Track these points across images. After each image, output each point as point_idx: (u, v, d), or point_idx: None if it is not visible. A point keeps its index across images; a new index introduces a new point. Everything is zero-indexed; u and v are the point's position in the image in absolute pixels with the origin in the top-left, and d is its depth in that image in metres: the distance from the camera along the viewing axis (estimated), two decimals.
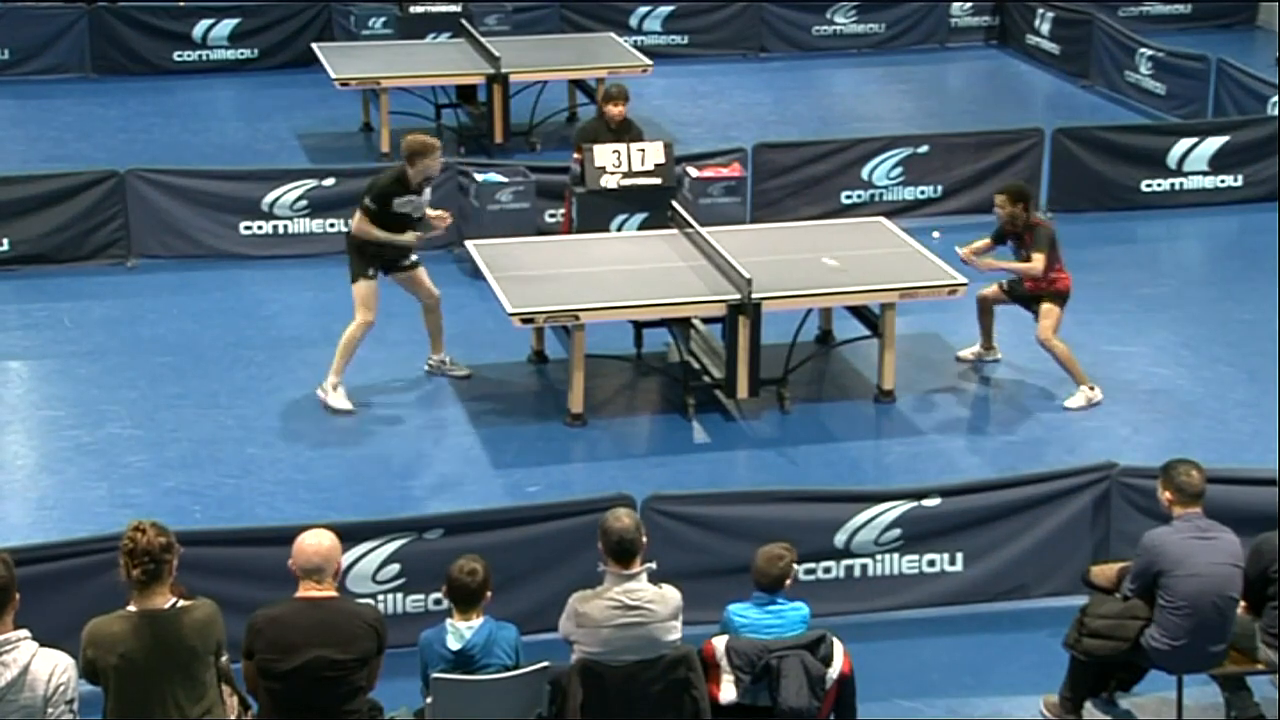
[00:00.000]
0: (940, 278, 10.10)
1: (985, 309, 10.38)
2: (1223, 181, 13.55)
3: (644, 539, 6.49)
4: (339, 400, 9.89)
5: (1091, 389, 10.03)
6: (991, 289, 10.27)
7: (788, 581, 6.59)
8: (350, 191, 12.33)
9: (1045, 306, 9.94)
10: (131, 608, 5.78)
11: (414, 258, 10.02)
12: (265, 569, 7.02)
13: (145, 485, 9.09)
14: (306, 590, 6.13)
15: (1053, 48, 17.51)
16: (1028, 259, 9.90)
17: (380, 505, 8.72)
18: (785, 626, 6.54)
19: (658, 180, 11.55)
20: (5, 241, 12.06)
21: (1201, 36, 17.77)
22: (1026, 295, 10.08)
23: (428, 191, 9.95)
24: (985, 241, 10.24)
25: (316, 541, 6.18)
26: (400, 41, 15.93)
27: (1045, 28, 17.63)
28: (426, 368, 10.41)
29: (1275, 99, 14.14)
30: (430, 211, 9.99)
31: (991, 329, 10.49)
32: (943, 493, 7.93)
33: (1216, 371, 10.58)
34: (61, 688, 5.59)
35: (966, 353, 10.60)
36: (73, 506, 8.86)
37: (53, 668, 5.59)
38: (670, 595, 6.46)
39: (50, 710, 5.56)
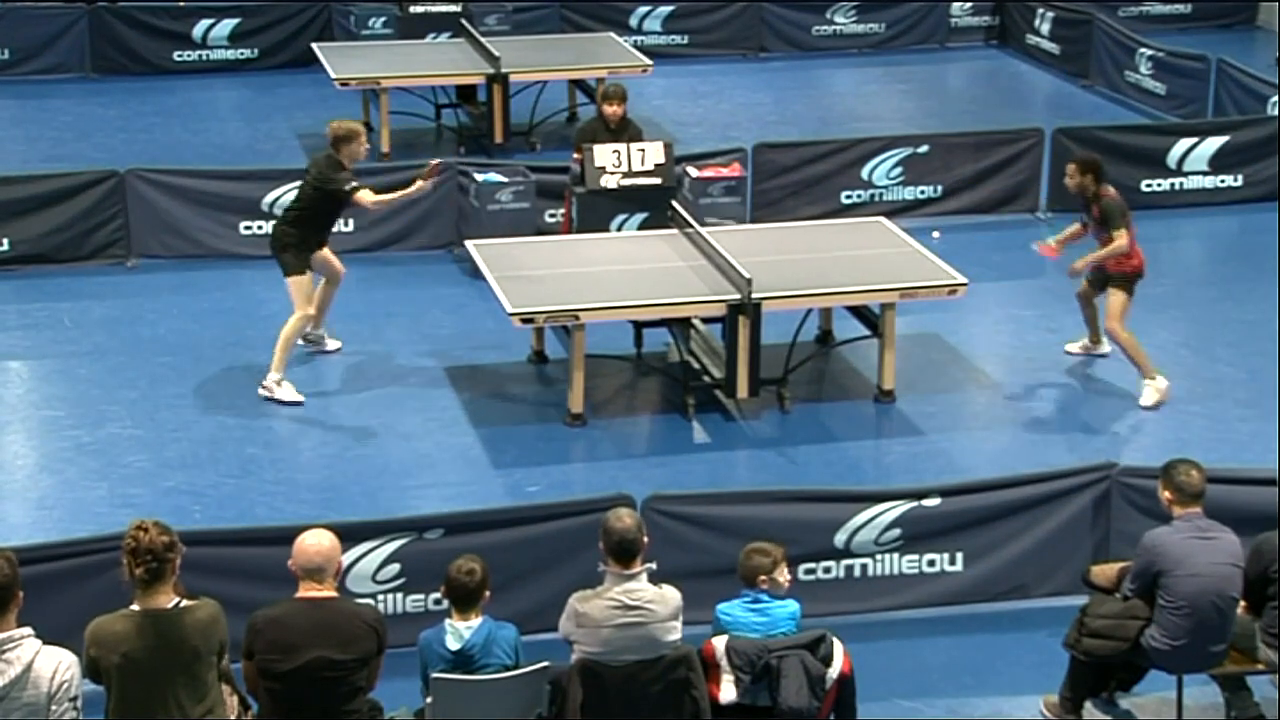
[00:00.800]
0: (940, 278, 10.10)
1: (1086, 302, 10.38)
2: (1223, 181, 13.55)
3: (645, 539, 6.49)
4: (288, 393, 9.96)
5: (1153, 377, 10.02)
6: (1083, 285, 10.30)
7: (761, 577, 6.56)
8: None
9: (1111, 292, 9.95)
10: (135, 607, 5.78)
11: None
12: (265, 569, 7.02)
13: (145, 485, 9.09)
14: (307, 590, 6.12)
15: (1053, 48, 17.51)
16: (1106, 239, 9.87)
17: (380, 505, 8.72)
18: (771, 624, 6.53)
19: (658, 180, 11.55)
20: (5, 241, 12.06)
21: (1201, 36, 17.77)
22: (1102, 279, 10.08)
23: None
24: (1076, 227, 10.31)
25: (316, 541, 6.18)
26: (400, 41, 15.93)
27: (1045, 28, 17.63)
28: (302, 340, 10.46)
29: (1275, 99, 14.14)
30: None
31: (1096, 321, 10.46)
32: (943, 493, 7.93)
33: (1216, 371, 10.58)
34: (65, 685, 5.59)
35: (1074, 346, 10.65)
36: (73, 506, 8.86)
37: (56, 665, 5.60)
38: (670, 595, 6.47)
39: (54, 708, 5.57)
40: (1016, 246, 12.62)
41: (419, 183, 10.16)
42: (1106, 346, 10.52)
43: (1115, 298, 9.94)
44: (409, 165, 12.73)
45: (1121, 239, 9.83)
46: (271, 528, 7.59)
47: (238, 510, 8.79)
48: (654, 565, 6.52)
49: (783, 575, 6.63)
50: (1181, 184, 13.52)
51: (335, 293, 10.57)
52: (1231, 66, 15.03)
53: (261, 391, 9.97)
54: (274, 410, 9.95)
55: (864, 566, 7.88)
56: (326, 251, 10.30)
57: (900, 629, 7.86)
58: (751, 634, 6.51)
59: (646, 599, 6.39)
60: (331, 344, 10.70)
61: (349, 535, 7.12)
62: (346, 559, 7.17)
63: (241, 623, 6.17)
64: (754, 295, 9.56)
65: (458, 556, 6.42)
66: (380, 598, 7.48)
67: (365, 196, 9.87)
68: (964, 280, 10.07)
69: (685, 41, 17.77)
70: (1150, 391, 10.01)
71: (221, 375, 10.42)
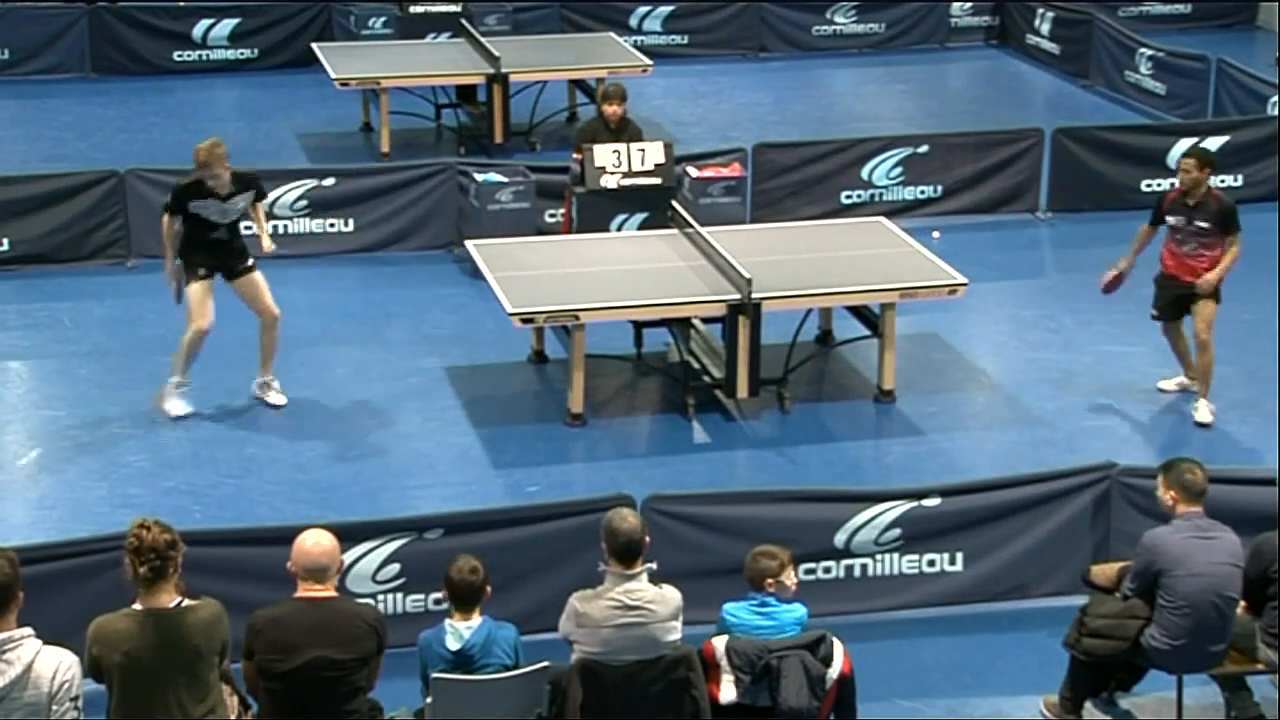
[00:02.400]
0: (940, 277, 10.10)
1: (1176, 335, 9.84)
2: (1222, 182, 13.50)
3: (647, 540, 6.49)
4: (175, 405, 9.73)
5: (1209, 412, 9.68)
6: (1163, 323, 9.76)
7: (768, 580, 6.55)
8: (351, 191, 12.37)
9: (1207, 303, 9.50)
10: (137, 606, 5.78)
11: (250, 261, 9.77)
12: (265, 569, 7.02)
13: (145, 485, 9.09)
14: (306, 591, 6.12)
15: (1053, 48, 17.51)
16: (1218, 244, 9.48)
17: (380, 505, 8.72)
18: (777, 628, 6.52)
19: (658, 180, 11.55)
20: (5, 241, 12.05)
21: (1201, 36, 17.77)
22: (1187, 297, 9.54)
23: (241, 201, 9.63)
24: (1127, 261, 9.76)
25: (316, 542, 6.18)
26: (400, 41, 15.94)
27: (1045, 28, 17.63)
28: (255, 389, 10.05)
29: (1275, 99, 14.14)
30: (264, 233, 9.90)
31: (1188, 353, 9.87)
32: (943, 493, 7.93)
33: (1216, 371, 10.56)
34: (66, 685, 5.58)
35: (1169, 384, 10.03)
36: (73, 506, 8.86)
37: (56, 665, 5.59)
38: (670, 595, 6.47)
39: (55, 708, 5.56)
40: (1016, 246, 12.64)
41: (172, 276, 9.72)
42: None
43: (1211, 307, 9.52)
44: (409, 165, 12.77)
45: (1235, 246, 9.50)
46: (271, 528, 7.59)
47: (237, 510, 8.79)
48: (654, 565, 6.51)
49: (790, 579, 6.62)
50: None
51: (273, 340, 9.89)
52: (1231, 66, 15.03)
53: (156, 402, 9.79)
54: (273, 410, 9.94)
55: (864, 566, 7.88)
56: (256, 280, 9.77)
57: (900, 629, 7.86)
58: (757, 636, 6.50)
59: (647, 599, 6.39)
60: (276, 398, 9.97)
61: (349, 535, 7.12)
62: (347, 559, 7.17)
63: (241, 623, 6.17)
64: (754, 295, 9.56)
65: (457, 556, 6.42)
66: (380, 598, 7.48)
67: (165, 223, 9.62)
68: (964, 280, 10.07)
69: (685, 41, 17.78)
70: (1206, 410, 9.71)
71: (221, 375, 10.40)
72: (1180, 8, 18.97)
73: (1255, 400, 10.15)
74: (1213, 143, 13.42)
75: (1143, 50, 15.96)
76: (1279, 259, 12.00)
